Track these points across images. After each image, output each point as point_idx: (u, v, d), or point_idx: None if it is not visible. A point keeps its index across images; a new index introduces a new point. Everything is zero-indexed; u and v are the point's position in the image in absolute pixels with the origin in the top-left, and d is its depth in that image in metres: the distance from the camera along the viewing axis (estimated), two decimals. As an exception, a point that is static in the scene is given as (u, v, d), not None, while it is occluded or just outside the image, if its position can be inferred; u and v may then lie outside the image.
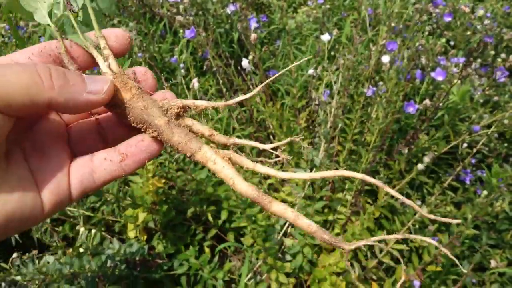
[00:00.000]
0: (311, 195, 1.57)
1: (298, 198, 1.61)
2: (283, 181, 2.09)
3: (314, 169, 1.57)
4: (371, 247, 1.77)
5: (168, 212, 1.76)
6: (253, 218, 1.52)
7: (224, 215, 1.70)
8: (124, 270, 1.62)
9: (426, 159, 1.31)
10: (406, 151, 1.51)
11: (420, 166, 1.33)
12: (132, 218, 1.76)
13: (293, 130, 1.90)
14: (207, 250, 1.76)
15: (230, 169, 0.48)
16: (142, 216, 1.73)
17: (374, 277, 1.75)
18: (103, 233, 1.88)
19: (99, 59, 0.48)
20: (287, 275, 1.62)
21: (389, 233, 1.69)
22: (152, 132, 0.46)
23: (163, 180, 1.77)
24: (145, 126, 0.46)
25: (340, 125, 1.68)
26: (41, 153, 0.44)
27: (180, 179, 1.80)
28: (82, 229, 1.62)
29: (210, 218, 1.78)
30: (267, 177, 2.01)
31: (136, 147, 0.46)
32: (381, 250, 1.66)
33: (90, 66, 0.50)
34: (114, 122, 0.50)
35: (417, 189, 1.85)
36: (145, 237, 1.85)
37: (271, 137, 2.14)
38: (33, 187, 0.42)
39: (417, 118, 1.75)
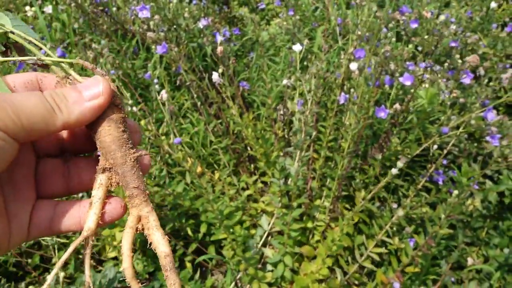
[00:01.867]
0: (288, 204, 1.58)
1: (276, 208, 1.62)
2: (262, 191, 2.10)
3: (290, 178, 1.58)
4: (351, 252, 1.79)
5: (146, 229, 1.74)
6: (231, 229, 1.52)
7: (203, 228, 1.69)
8: (101, 302, 1.55)
9: (400, 164, 1.33)
10: (380, 156, 1.54)
11: (394, 171, 1.34)
12: (109, 238, 1.73)
13: (268, 140, 1.91)
14: (188, 265, 1.74)
15: None
16: (119, 235, 1.71)
17: (356, 282, 1.76)
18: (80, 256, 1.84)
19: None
20: (269, 285, 1.62)
21: (368, 237, 1.71)
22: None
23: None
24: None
25: (313, 133, 1.70)
26: (14, 183, 0.42)
27: (158, 194, 1.78)
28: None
29: (189, 232, 1.76)
30: (245, 187, 2.01)
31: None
32: (361, 255, 1.68)
33: None
34: (81, 167, 0.48)
35: (393, 192, 1.88)
36: (125, 256, 1.81)
37: (249, 148, 2.15)
38: (5, 216, 0.40)
39: (388, 122, 1.79)
